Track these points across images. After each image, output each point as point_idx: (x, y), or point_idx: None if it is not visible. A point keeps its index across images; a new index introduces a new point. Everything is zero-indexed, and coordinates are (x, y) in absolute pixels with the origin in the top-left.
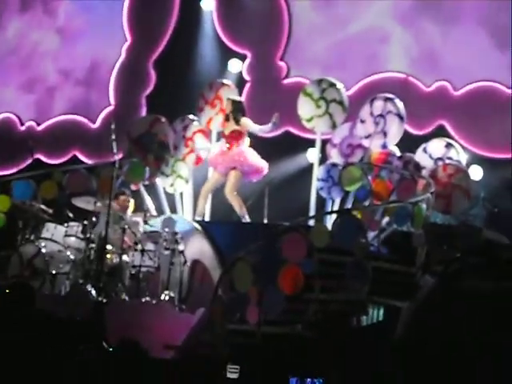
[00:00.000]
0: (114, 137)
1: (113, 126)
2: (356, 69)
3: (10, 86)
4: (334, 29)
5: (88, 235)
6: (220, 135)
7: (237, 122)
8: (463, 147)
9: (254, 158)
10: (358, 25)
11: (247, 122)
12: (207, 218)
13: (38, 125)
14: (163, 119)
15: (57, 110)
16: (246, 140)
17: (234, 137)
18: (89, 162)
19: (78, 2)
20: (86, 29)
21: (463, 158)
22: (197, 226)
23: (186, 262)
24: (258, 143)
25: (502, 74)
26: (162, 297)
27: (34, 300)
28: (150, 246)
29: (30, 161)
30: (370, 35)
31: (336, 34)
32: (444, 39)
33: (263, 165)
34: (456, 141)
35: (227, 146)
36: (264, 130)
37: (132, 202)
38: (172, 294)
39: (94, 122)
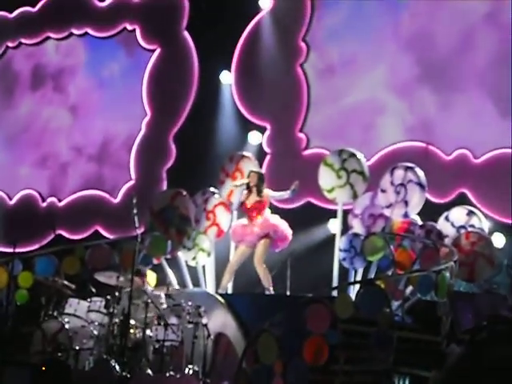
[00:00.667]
0: (135, 211)
1: (134, 201)
2: (373, 139)
3: (25, 163)
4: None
5: (111, 310)
6: (240, 207)
7: (259, 193)
8: (485, 215)
9: (283, 225)
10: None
11: (269, 192)
12: (229, 291)
13: (59, 200)
14: (184, 192)
15: (75, 185)
16: (268, 211)
17: (257, 208)
18: (110, 236)
19: (90, 78)
20: (98, 105)
21: (485, 225)
22: (220, 298)
23: (209, 335)
24: (279, 214)
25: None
26: (186, 371)
27: (70, 378)
28: (173, 320)
29: (52, 236)
30: (368, 106)
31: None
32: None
33: (290, 231)
34: (478, 208)
35: (249, 217)
36: (283, 196)
37: (154, 276)
38: (196, 368)
39: (115, 197)
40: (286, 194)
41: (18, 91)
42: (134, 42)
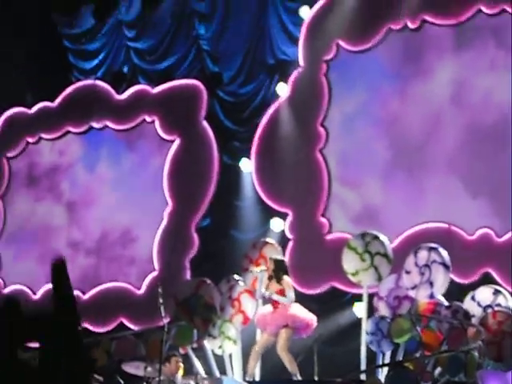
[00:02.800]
0: (161, 301)
1: (160, 290)
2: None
3: (28, 258)
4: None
5: None
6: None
7: (278, 280)
8: (511, 293)
9: (304, 313)
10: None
11: (288, 282)
12: (257, 378)
13: (83, 293)
14: (208, 281)
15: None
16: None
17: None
18: (135, 328)
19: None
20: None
21: None
22: None
23: None
24: (303, 300)
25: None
26: None
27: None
28: None
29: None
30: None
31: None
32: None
33: (313, 319)
34: (503, 287)
35: (273, 305)
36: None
37: (181, 365)
38: None
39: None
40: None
41: (14, 189)
42: (142, 135)
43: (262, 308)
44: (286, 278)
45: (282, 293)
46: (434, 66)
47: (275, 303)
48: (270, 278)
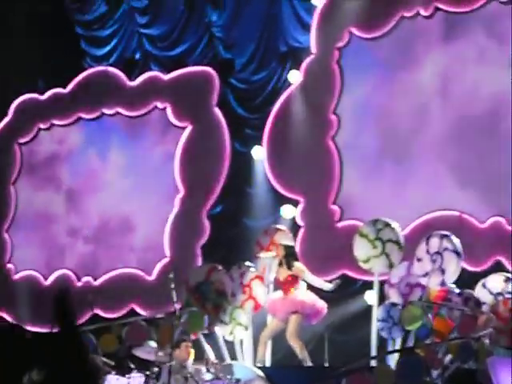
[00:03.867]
0: (173, 286)
1: (171, 276)
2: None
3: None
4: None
5: None
6: (275, 281)
7: (289, 267)
8: None
9: (314, 300)
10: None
11: (301, 267)
12: (268, 364)
13: (95, 279)
14: (220, 267)
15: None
16: (302, 283)
17: (290, 282)
18: (146, 314)
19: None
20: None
21: None
22: (258, 372)
23: None
24: (314, 287)
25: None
26: None
27: None
28: None
29: (88, 315)
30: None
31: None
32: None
33: (323, 306)
34: None
35: (283, 291)
36: (322, 286)
37: (192, 351)
38: None
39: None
40: (324, 286)
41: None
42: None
43: (272, 294)
44: (297, 263)
45: (292, 279)
46: (422, 56)
47: (286, 289)
48: (280, 264)
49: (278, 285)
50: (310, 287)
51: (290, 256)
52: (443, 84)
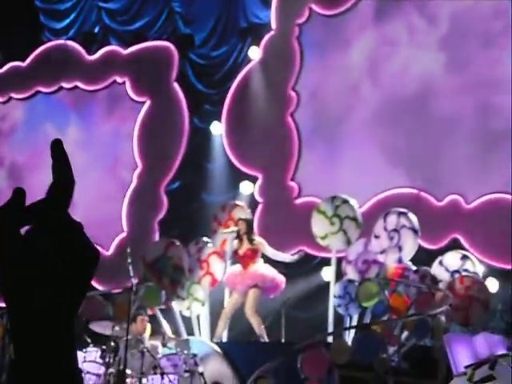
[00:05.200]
0: (130, 261)
1: (129, 250)
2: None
3: None
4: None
5: (107, 360)
6: (233, 255)
7: (251, 241)
8: (479, 259)
9: (273, 274)
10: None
11: (262, 242)
12: (224, 339)
13: None
14: (177, 243)
15: None
16: (260, 259)
17: (250, 256)
18: (103, 288)
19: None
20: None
21: (480, 269)
22: (215, 347)
23: (205, 383)
24: (271, 262)
25: None
26: None
27: None
28: (169, 369)
29: None
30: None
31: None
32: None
33: (282, 279)
34: (471, 253)
35: (243, 265)
36: (280, 257)
37: (149, 326)
38: None
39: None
40: (286, 258)
41: None
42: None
43: (231, 267)
44: (257, 237)
45: (252, 253)
46: (353, 37)
47: (245, 263)
48: (240, 239)
49: (237, 259)
50: (268, 262)
51: (250, 230)
52: (373, 65)
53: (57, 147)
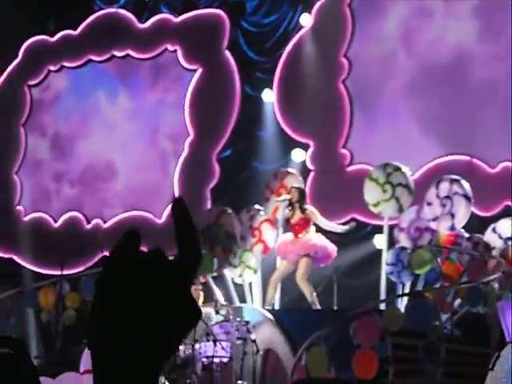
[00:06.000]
0: None
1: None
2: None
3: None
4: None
5: None
6: (286, 224)
7: (303, 210)
8: None
9: (325, 243)
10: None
11: (314, 212)
12: (277, 307)
13: (104, 222)
14: (229, 210)
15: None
16: (312, 227)
17: (301, 225)
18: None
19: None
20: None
21: None
22: (267, 314)
23: (258, 351)
24: (323, 231)
25: None
26: None
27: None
28: (222, 336)
29: (97, 258)
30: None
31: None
32: None
33: (334, 249)
34: None
35: (294, 233)
36: (335, 229)
37: (202, 293)
38: None
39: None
40: (338, 229)
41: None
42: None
43: (282, 236)
44: (309, 207)
45: (304, 222)
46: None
47: (297, 231)
48: (292, 207)
49: (289, 227)
50: (320, 231)
51: (304, 198)
52: (408, 33)
53: (178, 207)
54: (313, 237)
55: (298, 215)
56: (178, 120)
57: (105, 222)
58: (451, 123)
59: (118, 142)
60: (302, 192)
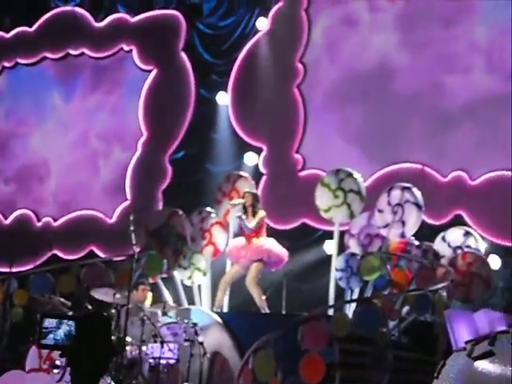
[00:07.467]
0: (132, 228)
1: (131, 218)
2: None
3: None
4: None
5: None
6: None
7: (255, 214)
8: (481, 236)
9: (278, 248)
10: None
11: (262, 215)
12: (225, 310)
13: (55, 220)
14: (180, 212)
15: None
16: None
17: (254, 230)
18: (105, 256)
19: None
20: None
21: (482, 246)
22: (216, 317)
23: (205, 353)
24: (274, 235)
25: None
26: None
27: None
28: (169, 338)
29: (46, 256)
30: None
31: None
32: None
33: (286, 254)
34: (474, 230)
35: (247, 239)
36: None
37: (150, 294)
38: None
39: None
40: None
41: None
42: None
43: (234, 240)
44: (261, 211)
45: (257, 227)
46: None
47: (249, 236)
48: (245, 211)
49: (242, 233)
50: (271, 236)
51: (256, 204)
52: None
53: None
54: (266, 242)
55: (251, 219)
56: (128, 121)
57: (55, 221)
58: (375, 133)
59: (54, 142)
60: (255, 197)
